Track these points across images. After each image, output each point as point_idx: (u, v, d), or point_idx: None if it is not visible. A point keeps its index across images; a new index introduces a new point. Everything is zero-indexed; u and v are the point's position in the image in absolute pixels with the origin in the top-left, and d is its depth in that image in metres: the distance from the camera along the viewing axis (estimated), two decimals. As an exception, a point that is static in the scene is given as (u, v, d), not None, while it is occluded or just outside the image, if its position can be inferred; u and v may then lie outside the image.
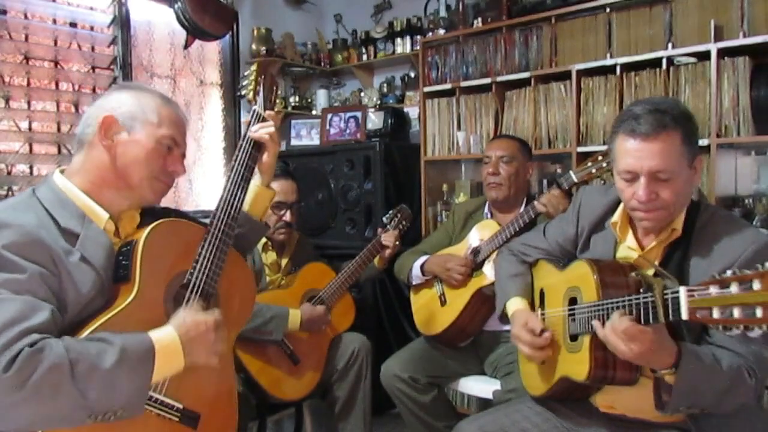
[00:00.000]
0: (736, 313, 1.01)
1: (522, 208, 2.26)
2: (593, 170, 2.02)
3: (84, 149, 1.35)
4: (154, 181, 1.37)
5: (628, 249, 1.50)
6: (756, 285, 0.99)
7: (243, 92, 1.60)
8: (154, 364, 1.18)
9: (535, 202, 2.14)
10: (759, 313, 0.98)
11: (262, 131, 1.51)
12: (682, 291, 1.11)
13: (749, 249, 1.31)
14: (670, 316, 1.15)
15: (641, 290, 1.24)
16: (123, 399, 1.14)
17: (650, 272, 1.28)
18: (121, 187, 1.35)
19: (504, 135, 2.64)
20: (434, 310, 2.38)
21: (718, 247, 1.35)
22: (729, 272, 1.04)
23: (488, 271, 2.22)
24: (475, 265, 2.29)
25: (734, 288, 1.02)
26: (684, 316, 1.10)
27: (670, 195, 1.36)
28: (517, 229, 2.16)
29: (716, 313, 1.04)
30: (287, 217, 2.37)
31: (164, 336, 1.22)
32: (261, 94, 1.56)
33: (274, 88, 1.62)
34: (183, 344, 1.23)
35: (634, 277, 1.34)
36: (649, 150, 1.34)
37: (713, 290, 1.05)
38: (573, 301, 1.51)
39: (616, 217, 1.53)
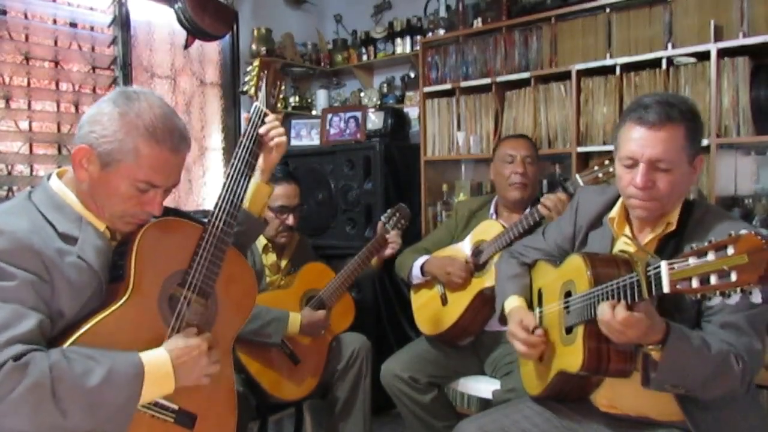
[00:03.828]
0: (713, 279, 1.04)
1: (528, 210, 2.25)
2: (599, 174, 2.02)
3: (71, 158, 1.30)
4: (126, 217, 1.32)
5: (624, 244, 1.52)
6: (730, 250, 1.02)
7: (245, 88, 1.58)
8: (142, 387, 1.17)
9: (539, 206, 2.13)
10: (734, 276, 1.01)
11: (276, 136, 1.50)
12: (663, 264, 1.13)
13: None
14: (653, 291, 1.17)
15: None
16: (105, 420, 1.14)
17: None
18: (96, 210, 1.31)
19: (522, 135, 2.57)
20: (435, 309, 2.38)
21: (710, 237, 1.36)
22: (706, 242, 1.07)
23: (490, 273, 2.21)
24: (476, 266, 2.29)
25: (711, 256, 1.05)
26: (665, 288, 1.12)
27: (665, 186, 1.39)
28: (522, 231, 2.15)
29: (695, 283, 1.07)
30: (290, 220, 2.37)
31: (156, 358, 1.22)
32: (263, 90, 1.55)
33: (278, 83, 1.59)
34: (174, 368, 1.23)
35: (622, 261, 1.39)
36: (653, 138, 1.38)
37: (692, 261, 1.08)
38: (568, 295, 1.52)
39: (614, 212, 1.56)
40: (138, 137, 1.26)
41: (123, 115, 1.26)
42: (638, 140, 1.40)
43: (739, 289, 1.01)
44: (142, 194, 1.30)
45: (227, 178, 1.44)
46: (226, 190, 1.43)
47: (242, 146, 1.47)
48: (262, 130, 1.49)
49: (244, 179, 1.45)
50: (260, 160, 1.54)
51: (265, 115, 1.53)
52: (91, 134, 1.26)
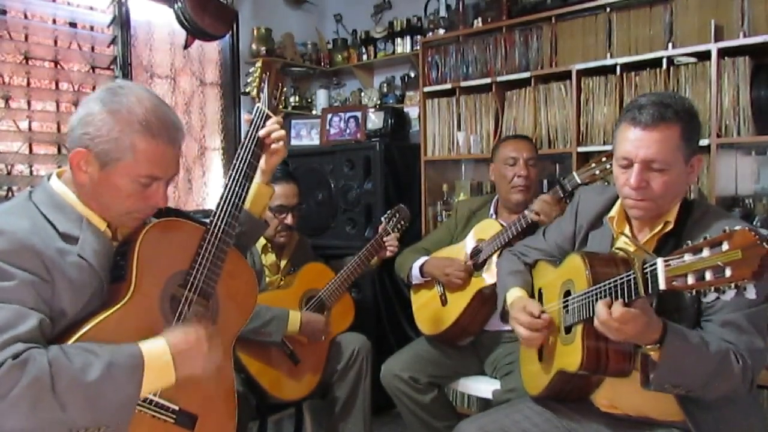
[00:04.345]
0: (708, 275, 1.05)
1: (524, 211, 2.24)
2: (596, 172, 2.02)
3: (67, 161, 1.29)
4: (132, 213, 1.32)
5: (624, 243, 1.51)
6: (724, 246, 1.03)
7: (247, 90, 1.58)
8: (142, 378, 1.17)
9: (526, 211, 2.14)
10: (728, 272, 1.02)
11: (276, 141, 1.49)
12: (659, 261, 1.14)
13: None
14: (650, 289, 1.18)
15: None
16: (107, 413, 1.13)
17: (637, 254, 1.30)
18: (101, 211, 1.31)
19: (523, 136, 2.56)
20: (435, 309, 2.38)
21: (706, 235, 1.36)
22: (702, 239, 1.07)
23: (489, 272, 2.21)
24: (475, 266, 2.29)
25: (706, 252, 1.06)
26: (662, 285, 1.13)
27: (660, 186, 1.40)
28: (519, 230, 2.15)
29: (691, 279, 1.08)
30: (289, 220, 2.37)
31: (155, 349, 1.21)
32: (265, 91, 1.55)
33: (280, 85, 1.59)
34: (174, 358, 1.22)
35: (620, 259, 1.39)
36: (647, 139, 1.39)
37: (687, 257, 1.09)
38: (568, 295, 1.52)
39: (613, 212, 1.57)
40: (133, 134, 1.25)
41: (114, 113, 1.25)
42: (633, 141, 1.41)
43: (733, 285, 1.02)
44: (144, 189, 1.29)
45: (229, 180, 1.44)
46: (228, 191, 1.43)
47: (244, 147, 1.47)
48: (261, 133, 1.48)
49: (246, 180, 1.45)
50: (261, 162, 1.54)
51: (267, 117, 1.52)
52: (85, 136, 1.25)
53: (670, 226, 1.45)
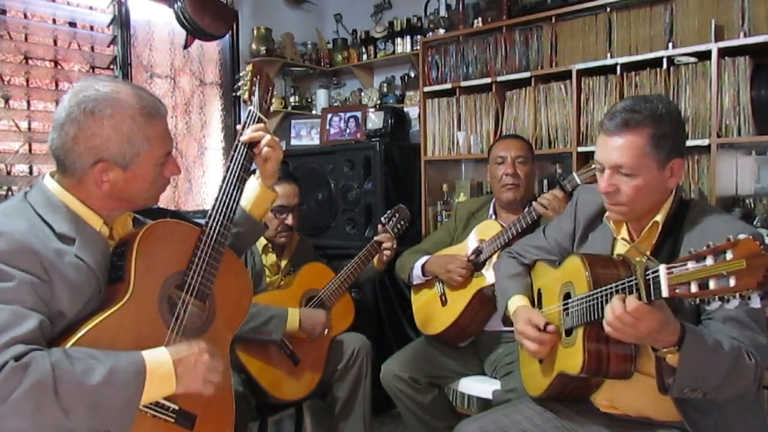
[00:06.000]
0: (712, 284, 1.03)
1: (526, 209, 2.25)
2: (596, 173, 2.02)
3: (75, 177, 1.28)
4: (158, 192, 1.40)
5: (623, 244, 1.52)
6: (729, 255, 1.02)
7: (239, 93, 1.59)
8: (144, 386, 1.17)
9: (535, 203, 2.14)
10: (732, 282, 1.00)
11: (266, 146, 1.49)
12: (662, 268, 1.13)
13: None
14: (652, 296, 1.17)
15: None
16: (108, 418, 1.13)
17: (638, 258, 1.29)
18: (122, 207, 1.37)
19: (514, 135, 2.59)
20: (435, 309, 2.38)
21: (707, 236, 1.35)
22: (705, 247, 1.06)
23: (489, 272, 2.22)
24: (476, 266, 2.29)
25: (709, 260, 1.04)
26: (664, 293, 1.12)
27: (629, 190, 1.42)
28: (519, 230, 2.16)
29: (694, 287, 1.06)
30: (289, 220, 2.37)
31: (157, 358, 1.22)
32: (256, 94, 1.55)
33: (270, 88, 1.60)
34: (176, 367, 1.22)
35: (621, 263, 1.40)
36: (612, 145, 1.43)
37: (690, 265, 1.07)
38: (567, 297, 1.52)
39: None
40: (141, 124, 1.29)
41: (113, 115, 1.26)
42: (600, 147, 1.47)
43: (738, 294, 1.00)
44: (163, 167, 1.36)
45: (223, 182, 1.45)
46: (222, 193, 1.44)
47: (236, 149, 1.48)
48: (243, 139, 1.48)
49: (239, 182, 1.46)
50: (259, 168, 1.54)
51: (260, 119, 1.53)
52: (92, 151, 1.26)
53: (659, 227, 1.45)
